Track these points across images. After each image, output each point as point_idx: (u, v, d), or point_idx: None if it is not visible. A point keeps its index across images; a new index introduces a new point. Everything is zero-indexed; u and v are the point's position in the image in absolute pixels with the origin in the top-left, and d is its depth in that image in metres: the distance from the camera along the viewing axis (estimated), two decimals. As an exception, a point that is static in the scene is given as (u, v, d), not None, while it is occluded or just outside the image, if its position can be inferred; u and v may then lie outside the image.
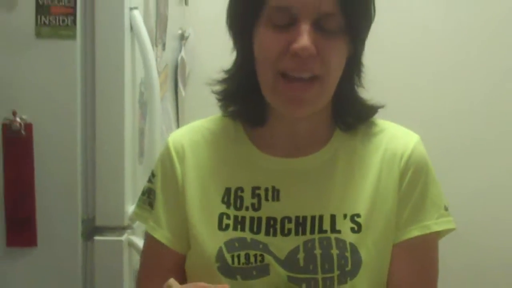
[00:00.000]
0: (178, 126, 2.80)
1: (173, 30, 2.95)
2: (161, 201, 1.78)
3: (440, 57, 3.55)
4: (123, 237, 2.39)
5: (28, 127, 2.28)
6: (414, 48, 3.51)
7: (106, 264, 2.39)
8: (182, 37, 3.02)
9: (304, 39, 1.56)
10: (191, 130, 1.84)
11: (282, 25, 1.60)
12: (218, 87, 1.79)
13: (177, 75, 2.96)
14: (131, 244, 2.42)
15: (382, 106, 1.77)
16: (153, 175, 1.83)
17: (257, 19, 1.64)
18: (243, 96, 1.75)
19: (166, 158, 1.79)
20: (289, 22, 1.59)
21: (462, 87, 3.51)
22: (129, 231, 2.42)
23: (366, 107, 1.77)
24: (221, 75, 1.78)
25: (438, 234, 1.71)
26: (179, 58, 2.98)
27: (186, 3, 3.08)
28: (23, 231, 2.32)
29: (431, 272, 1.74)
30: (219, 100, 1.79)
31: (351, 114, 1.76)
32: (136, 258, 2.40)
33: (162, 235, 1.76)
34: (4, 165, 2.30)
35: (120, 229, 2.40)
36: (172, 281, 1.53)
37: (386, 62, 3.06)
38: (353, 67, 1.72)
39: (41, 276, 2.35)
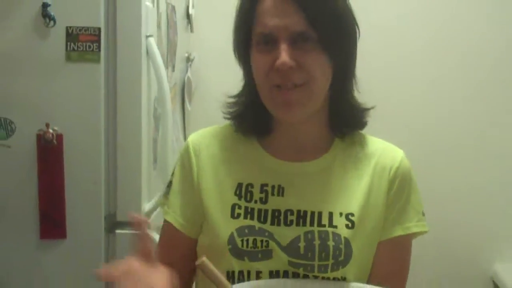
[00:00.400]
0: (184, 136, 2.80)
1: (180, 53, 2.92)
2: (177, 191, 1.84)
3: (420, 68, 3.44)
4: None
5: (59, 137, 2.32)
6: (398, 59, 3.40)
7: (125, 253, 2.39)
8: (188, 60, 3.01)
9: (283, 56, 1.63)
10: (208, 133, 1.89)
11: (267, 48, 1.67)
12: (229, 109, 1.85)
13: (184, 92, 2.96)
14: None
15: (372, 108, 1.82)
16: (174, 169, 1.88)
17: (250, 46, 1.73)
18: (250, 112, 1.81)
19: (185, 154, 1.84)
20: (272, 44, 1.66)
21: (441, 95, 3.43)
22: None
23: (359, 113, 1.83)
24: (231, 99, 1.84)
25: (415, 234, 1.79)
26: (186, 77, 2.99)
27: (191, 30, 3.08)
28: (54, 226, 2.36)
29: (406, 264, 1.82)
30: (231, 119, 1.85)
31: (346, 123, 1.82)
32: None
33: (175, 219, 1.82)
34: (38, 169, 2.33)
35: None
36: (205, 259, 1.56)
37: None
38: (343, 78, 1.76)
39: (69, 264, 2.38)
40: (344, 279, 1.72)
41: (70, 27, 2.30)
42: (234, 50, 1.81)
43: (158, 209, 2.52)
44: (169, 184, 1.89)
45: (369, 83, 1.83)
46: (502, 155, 3.40)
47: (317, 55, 1.67)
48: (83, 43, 2.31)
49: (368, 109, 1.84)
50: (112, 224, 2.43)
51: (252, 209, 1.75)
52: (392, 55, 3.33)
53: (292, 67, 1.64)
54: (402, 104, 3.31)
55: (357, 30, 1.76)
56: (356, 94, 1.82)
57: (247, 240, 1.71)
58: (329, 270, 1.70)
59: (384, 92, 3.11)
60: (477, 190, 3.37)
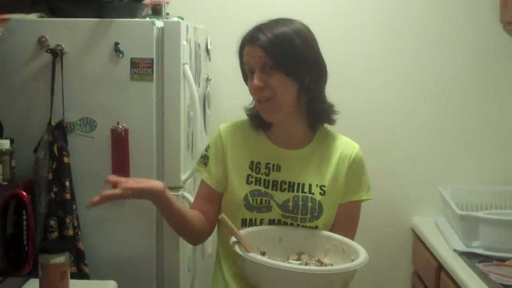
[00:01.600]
0: (205, 130, 2.82)
1: (203, 75, 2.91)
2: (212, 162, 1.94)
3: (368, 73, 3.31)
4: (179, 193, 2.44)
5: (126, 131, 2.40)
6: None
7: None
8: (207, 80, 3.02)
9: (255, 80, 1.81)
10: (232, 124, 2.00)
11: (251, 76, 1.84)
12: (248, 112, 1.99)
13: (205, 101, 2.96)
14: (183, 197, 2.47)
15: (338, 111, 1.95)
16: (208, 147, 1.98)
17: (246, 77, 1.89)
18: (257, 116, 1.94)
19: (217, 137, 1.96)
20: (251, 72, 1.84)
21: (387, 102, 3.32)
22: (182, 189, 2.47)
23: (327, 109, 1.93)
24: (249, 105, 1.99)
25: (363, 200, 1.95)
26: (206, 92, 2.98)
27: (209, 60, 3.08)
28: None
29: (356, 219, 1.98)
30: (248, 117, 1.99)
31: (318, 117, 1.93)
32: (186, 205, 2.44)
33: (210, 181, 1.94)
34: (112, 152, 2.41)
35: (178, 188, 2.45)
36: (223, 215, 1.71)
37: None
38: (309, 88, 1.86)
39: (133, 215, 2.44)
40: (316, 227, 1.87)
41: (133, 57, 2.38)
42: (243, 76, 1.96)
43: (191, 179, 2.56)
44: (204, 157, 1.97)
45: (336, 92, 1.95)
46: (421, 133, 3.32)
47: (278, 77, 1.82)
48: (141, 68, 2.38)
49: (335, 111, 1.95)
50: None
51: (260, 178, 1.89)
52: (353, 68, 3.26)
53: (260, 86, 1.81)
54: (359, 110, 3.26)
55: (318, 59, 1.88)
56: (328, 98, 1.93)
57: (256, 199, 1.86)
58: (307, 221, 1.86)
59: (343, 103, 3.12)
60: (399, 162, 3.33)
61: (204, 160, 1.97)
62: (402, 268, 3.40)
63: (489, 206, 3.12)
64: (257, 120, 1.95)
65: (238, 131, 1.97)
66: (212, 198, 1.95)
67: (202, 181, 1.97)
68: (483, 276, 2.34)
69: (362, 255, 1.68)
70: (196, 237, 2.01)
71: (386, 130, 3.34)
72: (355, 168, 1.92)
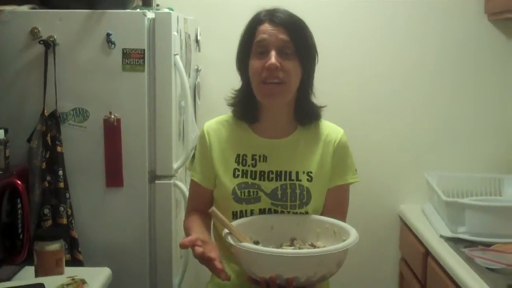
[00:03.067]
0: (196, 120, 2.82)
1: (193, 66, 2.92)
2: (198, 160, 1.93)
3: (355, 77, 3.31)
4: (171, 181, 2.49)
5: (118, 120, 2.42)
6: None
7: (162, 196, 2.50)
8: (197, 70, 3.03)
9: (272, 59, 1.76)
10: (216, 121, 1.97)
11: (261, 56, 1.79)
12: (231, 101, 1.94)
13: (195, 91, 2.97)
14: (175, 185, 2.51)
15: (324, 106, 1.95)
16: (195, 147, 1.97)
17: (249, 56, 1.82)
18: (244, 104, 1.91)
19: (202, 136, 1.94)
20: (265, 54, 1.78)
21: (369, 98, 3.32)
22: (174, 177, 2.50)
23: (315, 110, 1.94)
24: (233, 94, 1.94)
25: (350, 183, 1.94)
26: (196, 82, 2.99)
27: (199, 50, 3.07)
28: (116, 178, 2.45)
29: (345, 202, 1.97)
30: (231, 106, 1.94)
31: (306, 116, 1.91)
32: (178, 193, 2.55)
33: (197, 178, 1.94)
34: (105, 141, 2.43)
35: (170, 176, 2.49)
36: (214, 208, 1.69)
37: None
38: (306, 83, 1.87)
39: (126, 203, 2.47)
40: (306, 213, 1.86)
41: (125, 48, 2.39)
42: (237, 62, 1.90)
43: (182, 167, 2.59)
44: (193, 156, 1.98)
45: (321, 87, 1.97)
46: (408, 121, 3.34)
47: (293, 62, 1.81)
48: (133, 59, 2.40)
49: (322, 107, 1.96)
50: (153, 177, 2.49)
51: (247, 171, 1.87)
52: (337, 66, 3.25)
53: (277, 67, 1.77)
54: (346, 99, 3.29)
55: (316, 53, 1.90)
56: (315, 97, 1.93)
57: (244, 191, 1.84)
58: (297, 208, 1.85)
59: (332, 93, 3.09)
60: (386, 150, 3.35)
61: (192, 160, 1.99)
62: (390, 254, 3.43)
63: (474, 192, 3.15)
64: (242, 110, 1.93)
65: (222, 127, 1.95)
66: (203, 195, 1.95)
67: (191, 180, 1.98)
68: (469, 261, 2.37)
69: (353, 234, 1.70)
70: None
71: (372, 119, 3.36)
72: (340, 152, 1.91)
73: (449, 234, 2.70)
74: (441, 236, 2.71)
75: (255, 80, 1.82)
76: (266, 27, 1.80)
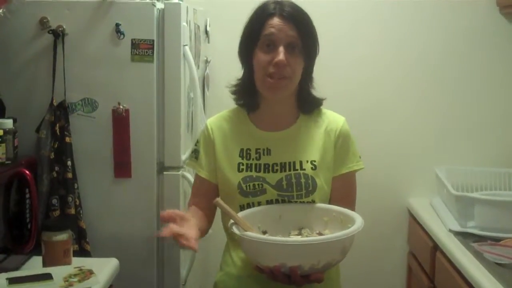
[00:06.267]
0: (204, 111, 2.81)
1: (202, 57, 2.94)
2: (202, 155, 1.93)
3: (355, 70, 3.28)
4: (179, 172, 2.50)
5: (127, 111, 2.43)
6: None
7: (170, 187, 2.51)
8: (206, 61, 3.04)
9: (280, 56, 1.76)
10: (219, 116, 1.98)
11: (268, 49, 1.79)
12: (233, 88, 1.94)
13: (204, 83, 2.98)
14: (183, 176, 2.53)
15: (325, 98, 1.95)
16: (197, 141, 1.96)
17: (255, 46, 1.81)
18: (246, 92, 1.91)
19: (205, 131, 1.94)
20: (272, 48, 1.78)
21: (368, 90, 3.29)
22: (182, 169, 2.52)
23: (316, 100, 1.94)
24: (235, 82, 1.94)
25: (356, 171, 1.92)
26: (205, 73, 3.00)
27: (208, 42, 3.12)
28: (124, 169, 2.46)
29: (353, 191, 1.96)
30: (233, 94, 1.94)
31: (308, 103, 1.92)
32: (186, 184, 2.55)
33: (204, 174, 1.93)
34: (113, 132, 2.44)
35: (178, 168, 2.50)
36: (218, 199, 1.71)
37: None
38: (307, 75, 1.88)
39: (134, 194, 2.48)
40: (313, 201, 1.86)
41: (134, 39, 2.40)
42: (240, 49, 1.89)
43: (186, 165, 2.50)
44: (195, 151, 1.96)
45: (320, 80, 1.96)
46: (418, 114, 3.32)
47: (299, 59, 1.81)
48: (142, 49, 2.40)
49: (322, 99, 1.95)
50: (161, 168, 2.50)
51: (251, 164, 1.86)
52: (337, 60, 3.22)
53: (285, 64, 1.77)
54: (354, 91, 3.26)
55: (318, 45, 1.89)
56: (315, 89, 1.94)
57: (249, 185, 1.84)
58: (303, 197, 1.85)
59: (340, 87, 3.13)
60: (395, 144, 3.33)
61: (195, 154, 1.96)
62: (398, 248, 3.41)
63: (484, 187, 3.12)
64: (244, 97, 1.93)
65: (225, 122, 1.96)
66: (207, 190, 1.94)
67: (196, 175, 1.97)
68: (478, 256, 2.34)
69: (358, 222, 1.70)
70: (203, 234, 1.94)
71: (381, 112, 3.34)
72: (342, 141, 1.91)
73: (458, 228, 2.68)
74: (450, 230, 2.69)
75: (260, 73, 1.82)
76: (276, 21, 1.80)
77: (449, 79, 3.33)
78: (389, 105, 3.35)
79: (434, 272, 2.77)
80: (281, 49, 1.78)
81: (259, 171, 1.86)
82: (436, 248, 2.74)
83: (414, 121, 3.35)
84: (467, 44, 3.29)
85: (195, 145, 1.97)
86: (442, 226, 2.81)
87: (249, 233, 1.65)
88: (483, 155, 3.33)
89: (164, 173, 2.51)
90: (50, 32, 2.37)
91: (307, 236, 1.79)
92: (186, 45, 2.49)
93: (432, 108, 3.34)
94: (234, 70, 1.94)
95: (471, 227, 2.65)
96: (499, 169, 3.20)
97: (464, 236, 2.60)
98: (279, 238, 1.69)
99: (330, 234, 1.67)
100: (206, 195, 1.92)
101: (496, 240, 2.49)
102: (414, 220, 3.19)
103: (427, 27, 3.30)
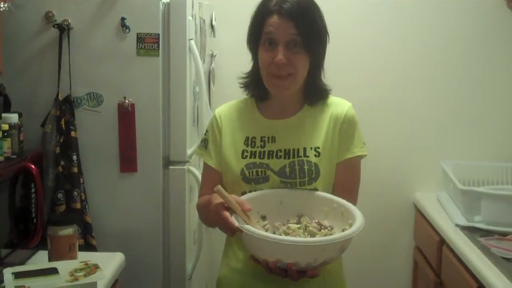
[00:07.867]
0: (210, 106, 2.79)
1: (207, 51, 2.93)
2: (211, 145, 1.94)
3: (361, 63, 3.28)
4: (185, 167, 2.50)
5: (132, 105, 2.43)
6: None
7: (176, 182, 2.51)
8: (212, 56, 3.04)
9: (279, 55, 1.77)
10: (227, 106, 1.99)
11: (270, 47, 1.79)
12: (243, 80, 1.95)
13: (210, 77, 2.97)
14: (189, 171, 2.53)
15: (331, 89, 1.95)
16: (206, 131, 1.97)
17: (259, 42, 1.83)
18: (255, 84, 1.92)
19: (214, 121, 1.96)
20: (273, 46, 1.79)
21: (372, 81, 3.28)
22: (188, 163, 2.52)
23: (323, 91, 1.93)
24: (244, 75, 1.95)
25: (360, 157, 1.91)
26: (211, 67, 3.01)
27: (214, 36, 3.12)
28: (130, 164, 2.46)
29: (356, 177, 1.93)
30: (243, 86, 1.95)
31: (314, 96, 1.92)
32: (192, 179, 2.55)
33: (212, 162, 1.94)
34: (119, 126, 2.44)
35: (183, 162, 2.50)
36: (219, 186, 1.70)
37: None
38: (315, 68, 1.88)
39: (139, 189, 2.48)
40: (316, 189, 1.85)
41: (140, 33, 2.40)
42: (247, 43, 1.90)
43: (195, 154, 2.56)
44: (204, 140, 1.97)
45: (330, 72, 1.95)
46: (424, 108, 3.31)
47: (301, 55, 1.81)
48: (148, 43, 2.40)
49: (329, 89, 1.95)
50: (167, 162, 2.50)
51: (255, 151, 1.87)
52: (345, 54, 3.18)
53: (285, 63, 1.78)
54: (360, 86, 3.25)
55: (328, 37, 1.88)
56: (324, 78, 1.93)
57: (252, 171, 1.85)
58: (306, 183, 1.84)
59: (347, 80, 3.07)
60: (402, 138, 3.32)
61: (205, 143, 1.97)
62: (404, 243, 3.41)
63: (490, 181, 3.11)
64: (255, 90, 1.94)
65: (233, 111, 1.97)
66: (216, 179, 1.94)
67: (205, 165, 1.97)
68: (485, 250, 2.35)
69: (357, 222, 1.67)
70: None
71: (388, 106, 3.34)
72: (347, 126, 1.90)
73: (464, 223, 2.68)
74: (457, 225, 2.69)
75: (264, 71, 1.84)
76: (274, 19, 1.79)
77: (456, 74, 3.31)
78: (395, 100, 3.34)
79: (440, 267, 2.77)
80: (280, 48, 1.78)
81: (263, 158, 1.87)
82: (442, 242, 2.73)
83: (421, 115, 3.34)
84: (475, 39, 3.28)
85: (205, 134, 1.99)
86: (449, 220, 2.80)
87: (247, 227, 1.64)
88: (489, 149, 3.31)
89: (170, 167, 2.51)
90: (56, 26, 2.37)
91: (305, 225, 1.78)
92: (191, 39, 2.49)
93: (439, 103, 3.33)
94: (239, 64, 1.94)
95: (478, 222, 2.65)
96: (506, 163, 3.20)
97: (470, 231, 2.59)
98: (277, 236, 1.66)
99: (328, 236, 1.66)
100: (215, 184, 1.87)
101: (503, 234, 2.50)
102: (420, 215, 3.18)
103: (434, 19, 3.28)
